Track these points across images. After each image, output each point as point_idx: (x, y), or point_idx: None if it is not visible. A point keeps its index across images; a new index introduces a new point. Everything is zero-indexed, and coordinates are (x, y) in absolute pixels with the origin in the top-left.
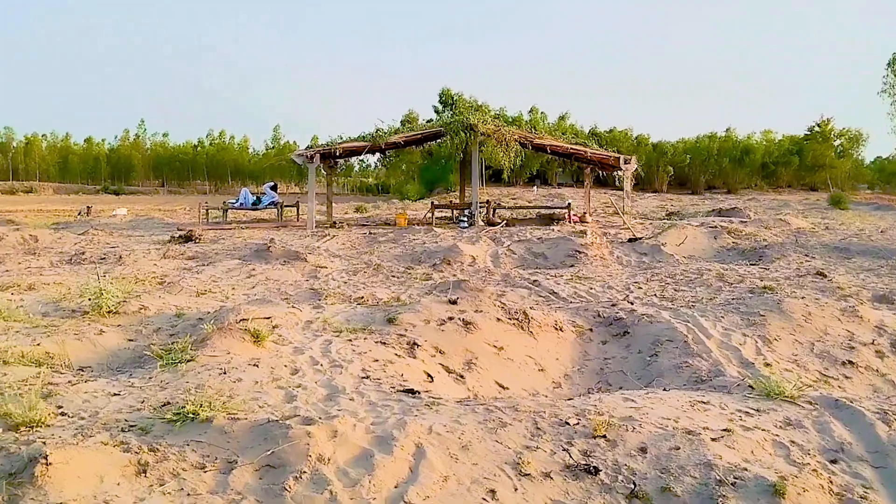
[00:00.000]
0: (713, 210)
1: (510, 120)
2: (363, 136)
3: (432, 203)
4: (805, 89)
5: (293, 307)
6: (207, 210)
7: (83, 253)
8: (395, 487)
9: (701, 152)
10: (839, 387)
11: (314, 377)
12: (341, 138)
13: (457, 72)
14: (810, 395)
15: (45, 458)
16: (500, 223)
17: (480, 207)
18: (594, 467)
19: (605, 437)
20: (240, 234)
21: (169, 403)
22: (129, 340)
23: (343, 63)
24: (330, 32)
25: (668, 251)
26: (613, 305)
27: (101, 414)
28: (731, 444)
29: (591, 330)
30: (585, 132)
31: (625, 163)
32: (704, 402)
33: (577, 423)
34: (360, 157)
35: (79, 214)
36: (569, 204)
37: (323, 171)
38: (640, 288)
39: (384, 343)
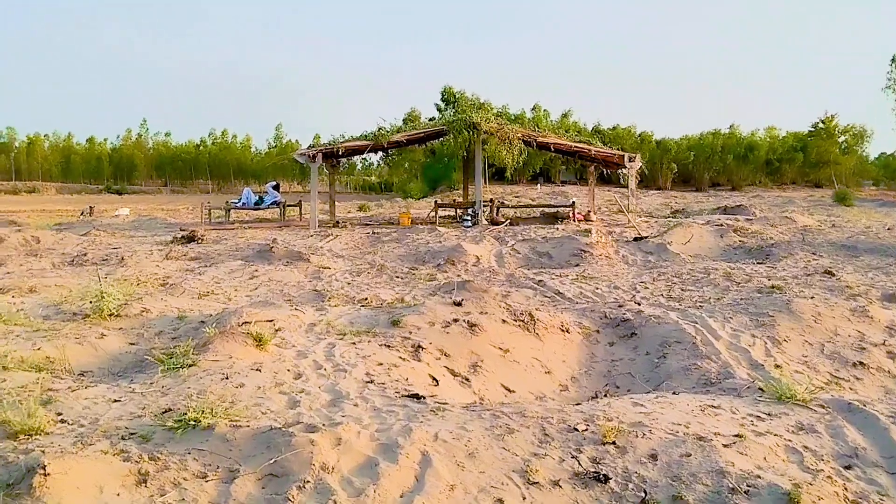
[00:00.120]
0: (718, 208)
1: (513, 118)
2: (365, 135)
3: (436, 202)
4: (809, 86)
5: (296, 309)
6: (210, 210)
7: (85, 254)
8: (401, 497)
9: (705, 149)
10: (850, 388)
11: (318, 382)
12: (343, 137)
13: (459, 70)
14: (822, 398)
15: (44, 468)
16: (503, 222)
17: (484, 206)
18: (604, 475)
19: (614, 443)
20: (242, 234)
21: (170, 410)
22: (131, 344)
23: (345, 61)
24: (332, 31)
25: (674, 250)
26: (620, 306)
27: (102, 421)
28: (744, 450)
29: (597, 331)
30: (589, 130)
31: (629, 161)
32: (715, 407)
33: (586, 430)
34: (363, 156)
35: (81, 215)
36: (573, 202)
37: (325, 170)
38: (647, 288)
39: (388, 346)
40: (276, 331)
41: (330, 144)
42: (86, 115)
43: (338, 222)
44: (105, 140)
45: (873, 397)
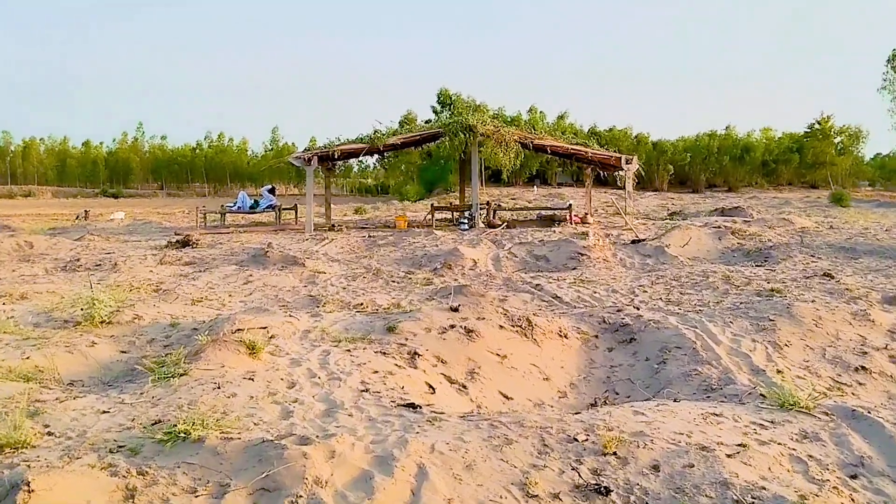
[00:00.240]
0: (716, 209)
1: (509, 120)
2: (361, 138)
3: (432, 205)
4: (804, 87)
5: (290, 316)
6: (205, 214)
7: (78, 259)
8: None
9: (701, 150)
10: (853, 394)
11: (311, 391)
12: (339, 140)
13: (455, 72)
14: (825, 404)
15: (28, 484)
16: (500, 225)
17: (480, 209)
18: (605, 487)
19: (615, 454)
20: (237, 238)
21: (160, 421)
22: (122, 352)
23: (342, 64)
24: (328, 33)
25: (672, 253)
26: (619, 311)
27: (89, 433)
28: (747, 460)
29: (596, 336)
30: (585, 131)
31: (626, 163)
32: (717, 415)
33: (586, 440)
34: (359, 159)
35: (76, 219)
36: (570, 205)
37: (321, 173)
38: (646, 291)
39: (384, 353)
40: (270, 338)
41: (325, 147)
42: (81, 119)
43: (333, 226)
44: (101, 144)
45: (876, 403)
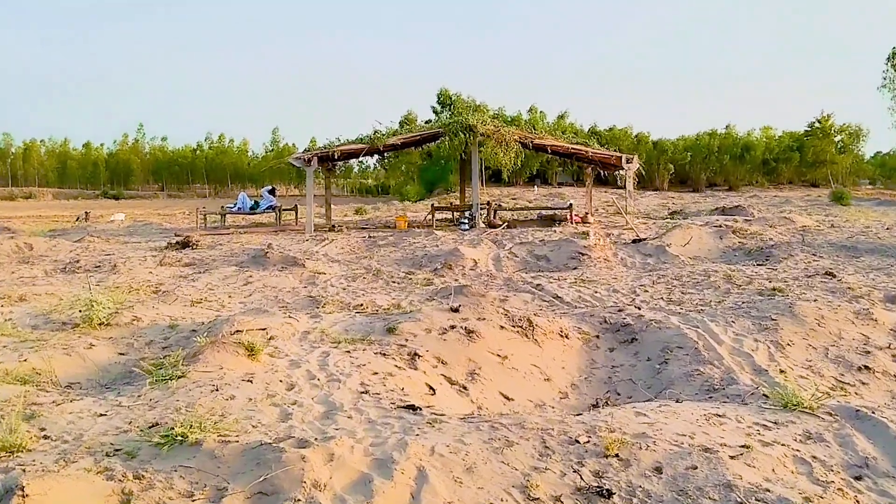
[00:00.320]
0: (716, 208)
1: (509, 120)
2: (361, 138)
3: (432, 205)
4: (804, 85)
5: (290, 317)
6: (205, 215)
7: (78, 261)
8: None
9: (701, 150)
10: (856, 394)
11: (311, 393)
12: (339, 140)
13: (455, 72)
14: (829, 404)
15: (22, 489)
16: (501, 225)
17: (481, 209)
18: (607, 490)
19: (617, 456)
20: (238, 239)
21: (157, 424)
22: (120, 354)
23: (342, 64)
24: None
25: (673, 252)
26: (620, 311)
27: (86, 437)
28: (751, 461)
29: (597, 337)
30: (585, 131)
31: (627, 162)
32: (720, 416)
33: (588, 441)
34: (359, 159)
35: (77, 220)
36: (570, 204)
37: (321, 173)
38: (647, 291)
39: (384, 354)
40: (269, 339)
41: (325, 148)
42: (82, 121)
43: (334, 226)
44: (101, 145)
45: (880, 403)
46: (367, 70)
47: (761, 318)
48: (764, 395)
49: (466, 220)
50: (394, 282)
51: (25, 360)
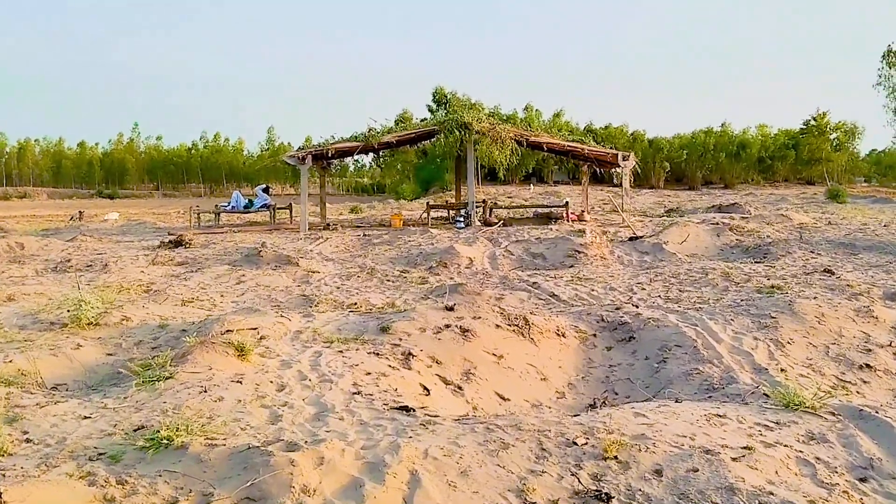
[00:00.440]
0: (713, 206)
1: (505, 118)
2: (356, 136)
3: (428, 203)
4: (800, 83)
5: (282, 316)
6: (199, 214)
7: (69, 260)
8: None
9: (697, 147)
10: (858, 392)
11: (301, 394)
12: (334, 138)
13: (451, 71)
14: (832, 404)
15: (0, 496)
16: (496, 223)
17: (477, 207)
18: (606, 494)
19: (616, 458)
20: (231, 238)
21: (143, 427)
22: (108, 355)
23: (338, 63)
24: (324, 32)
25: (670, 249)
26: (617, 309)
27: (69, 440)
28: (753, 463)
29: (594, 335)
30: (581, 129)
31: (623, 159)
32: (721, 416)
33: (586, 443)
34: (355, 158)
35: (71, 220)
36: (566, 202)
37: (316, 172)
38: (644, 289)
39: (377, 354)
40: (260, 339)
41: (320, 146)
42: (77, 120)
43: (328, 225)
44: (96, 144)
45: (883, 402)
46: (364, 69)
47: (761, 315)
48: (765, 394)
49: (462, 219)
50: (388, 280)
51: (10, 361)
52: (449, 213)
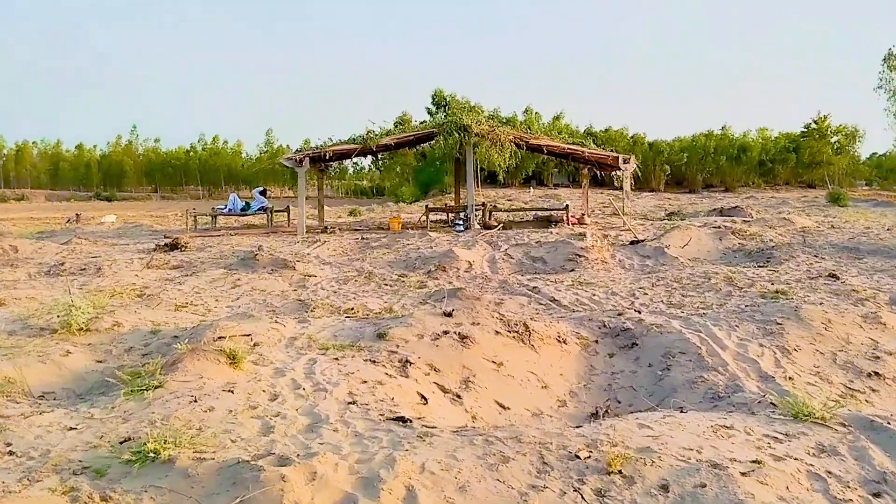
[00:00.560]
0: (714, 209)
1: (504, 120)
2: (354, 139)
3: (427, 206)
4: (800, 86)
5: (277, 322)
6: (195, 216)
7: (63, 264)
8: None
9: (697, 151)
10: (867, 401)
11: (295, 403)
12: (332, 141)
13: (450, 72)
14: (842, 414)
15: None
16: (496, 226)
17: (476, 210)
18: None
19: (620, 472)
20: (228, 241)
21: (130, 439)
22: (98, 362)
23: (337, 66)
24: (322, 35)
25: (672, 254)
26: (619, 314)
27: (53, 453)
28: (763, 478)
29: (596, 342)
30: (581, 132)
31: (624, 162)
32: (728, 427)
33: (589, 457)
34: (353, 160)
35: (68, 222)
36: (566, 205)
37: (314, 174)
38: (646, 294)
39: (374, 361)
40: (254, 346)
41: (317, 148)
42: (74, 122)
43: (326, 228)
44: (94, 146)
45: (892, 410)
46: (363, 72)
47: (766, 322)
48: (772, 403)
49: (461, 222)
50: (386, 284)
51: None
52: (448, 217)
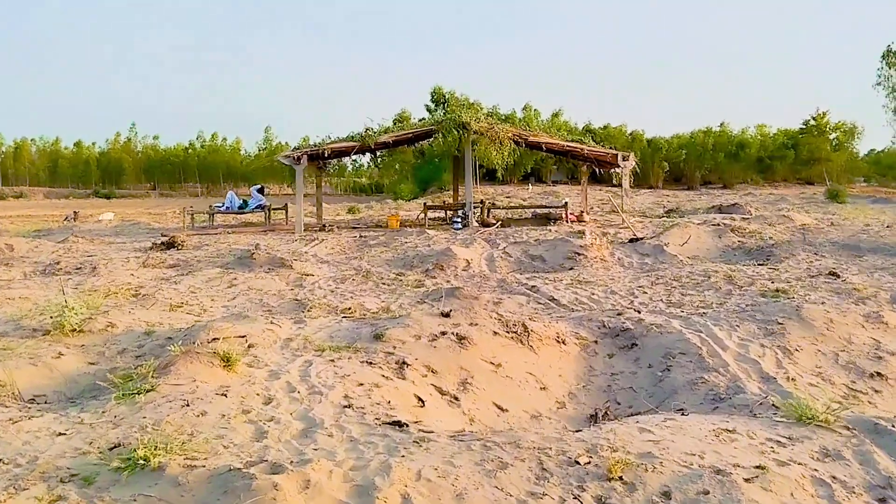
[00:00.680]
0: (713, 206)
1: (503, 118)
2: (352, 136)
3: (425, 204)
4: (799, 83)
5: (272, 322)
6: (193, 214)
7: (58, 263)
8: None
9: (696, 147)
10: (869, 402)
11: (289, 407)
12: (330, 138)
13: (449, 70)
14: (845, 416)
15: None
16: (494, 224)
17: (474, 207)
18: None
19: (621, 478)
20: (225, 239)
21: (120, 445)
22: (90, 364)
23: (337, 63)
24: (322, 33)
25: (671, 251)
26: (619, 314)
27: (41, 460)
28: (767, 485)
29: (595, 342)
30: (579, 129)
31: (623, 159)
32: (730, 431)
33: (589, 463)
34: (352, 158)
35: (65, 220)
36: (565, 203)
37: (312, 172)
38: (646, 293)
39: (370, 363)
40: (248, 347)
41: (316, 146)
42: (73, 119)
43: (324, 226)
44: (93, 144)
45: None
46: (363, 69)
47: (767, 321)
48: (773, 405)
49: (459, 219)
50: (384, 283)
51: None
52: (446, 214)
